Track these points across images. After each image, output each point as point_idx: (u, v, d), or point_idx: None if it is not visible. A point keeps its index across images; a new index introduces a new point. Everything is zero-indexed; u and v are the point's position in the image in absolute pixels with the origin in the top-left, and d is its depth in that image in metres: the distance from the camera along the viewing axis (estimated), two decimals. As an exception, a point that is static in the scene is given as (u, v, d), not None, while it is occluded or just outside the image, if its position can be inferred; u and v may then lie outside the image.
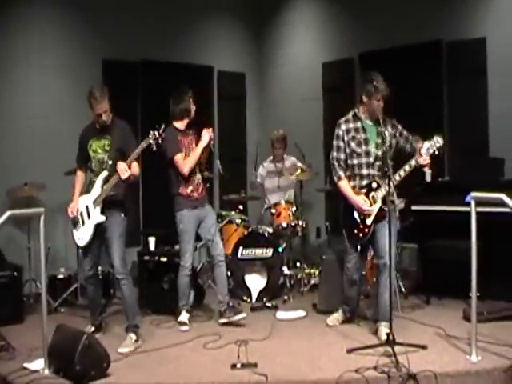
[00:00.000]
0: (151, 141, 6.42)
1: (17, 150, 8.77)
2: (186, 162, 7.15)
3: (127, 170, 6.25)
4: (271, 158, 9.62)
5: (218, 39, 11.38)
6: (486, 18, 8.66)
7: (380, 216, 6.42)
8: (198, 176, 7.35)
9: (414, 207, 8.00)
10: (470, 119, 8.82)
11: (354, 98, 8.17)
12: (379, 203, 6.45)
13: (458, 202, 6.95)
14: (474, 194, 5.55)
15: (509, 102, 8.33)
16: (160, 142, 6.48)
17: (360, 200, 6.50)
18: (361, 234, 6.57)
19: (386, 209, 6.18)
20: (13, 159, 8.68)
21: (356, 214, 6.58)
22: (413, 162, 6.36)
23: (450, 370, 5.37)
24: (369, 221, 6.51)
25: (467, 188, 5.87)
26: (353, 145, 6.59)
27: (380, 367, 5.36)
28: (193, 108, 7.43)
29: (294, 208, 8.86)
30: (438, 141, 6.32)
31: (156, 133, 6.45)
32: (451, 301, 7.62)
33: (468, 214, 5.58)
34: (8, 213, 5.38)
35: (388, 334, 5.82)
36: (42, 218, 5.71)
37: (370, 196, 6.52)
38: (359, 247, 6.75)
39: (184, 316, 7.30)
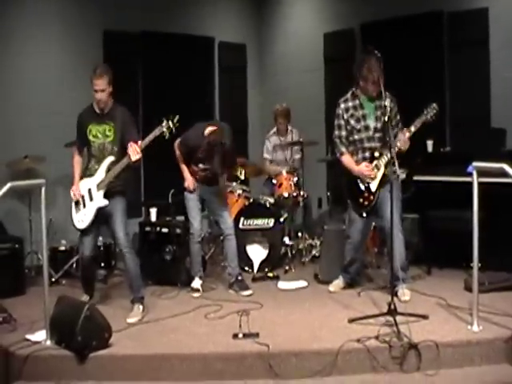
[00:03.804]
0: (164, 129, 6.32)
1: (17, 122, 8.74)
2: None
3: (138, 152, 6.16)
4: (274, 130, 9.57)
5: (219, 10, 11.32)
6: (488, -12, 8.61)
7: (383, 182, 6.51)
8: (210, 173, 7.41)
9: (415, 178, 7.99)
10: (472, 90, 8.78)
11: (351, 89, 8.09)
12: (382, 170, 6.57)
13: (459, 172, 6.96)
14: (475, 164, 5.52)
15: (511, 72, 8.28)
16: (174, 131, 6.38)
17: (362, 167, 6.65)
18: (366, 202, 6.69)
19: (389, 174, 6.24)
20: (13, 132, 8.66)
21: (360, 183, 6.69)
22: (395, 149, 6.37)
23: (451, 339, 5.38)
24: (373, 187, 6.63)
25: (469, 159, 5.84)
26: (352, 122, 6.77)
27: (381, 337, 5.37)
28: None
29: (296, 178, 8.85)
30: (434, 107, 6.38)
31: (170, 122, 6.34)
32: (452, 271, 7.64)
33: (470, 184, 5.55)
34: (9, 184, 5.37)
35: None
36: (43, 190, 5.69)
37: (374, 164, 6.63)
38: (365, 215, 6.80)
39: (196, 282, 7.44)
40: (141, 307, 6.53)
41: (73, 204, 6.64)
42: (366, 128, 6.72)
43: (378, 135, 6.68)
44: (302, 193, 8.81)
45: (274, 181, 8.96)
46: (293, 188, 8.74)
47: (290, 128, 9.50)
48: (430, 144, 8.44)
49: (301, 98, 10.80)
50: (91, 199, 6.50)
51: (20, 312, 6.42)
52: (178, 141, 7.31)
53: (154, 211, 8.16)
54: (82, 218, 6.56)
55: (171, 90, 10.08)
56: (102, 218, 6.54)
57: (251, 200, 8.67)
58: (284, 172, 8.87)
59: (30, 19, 8.89)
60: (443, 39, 9.09)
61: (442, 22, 9.05)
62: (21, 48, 8.84)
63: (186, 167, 7.40)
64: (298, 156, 9.38)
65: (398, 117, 6.76)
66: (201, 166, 7.32)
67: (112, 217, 6.50)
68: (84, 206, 6.55)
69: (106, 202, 6.43)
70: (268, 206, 8.57)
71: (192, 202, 7.43)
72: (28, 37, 8.88)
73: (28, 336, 5.73)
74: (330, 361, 5.22)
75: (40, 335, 5.70)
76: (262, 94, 11.81)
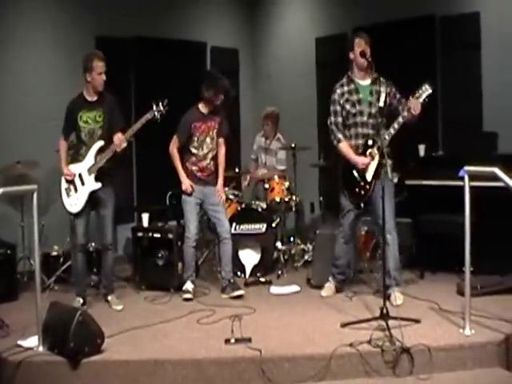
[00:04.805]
0: (156, 113, 6.74)
1: (9, 127, 8.70)
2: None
3: (123, 141, 6.56)
4: (263, 131, 9.55)
5: (211, 15, 11.29)
6: (480, -8, 8.64)
7: (379, 171, 6.51)
8: (208, 161, 7.48)
9: (407, 182, 8.00)
10: (464, 94, 8.79)
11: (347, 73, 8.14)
12: (377, 159, 6.58)
13: (451, 176, 6.97)
14: (467, 168, 5.54)
15: (502, 76, 8.30)
16: (164, 113, 6.78)
17: (359, 159, 6.66)
18: (362, 192, 6.72)
19: (384, 162, 6.22)
20: (5, 137, 8.61)
21: (356, 173, 6.72)
22: (404, 114, 6.47)
23: (443, 343, 5.40)
24: (369, 176, 6.65)
25: (461, 162, 5.85)
26: (347, 106, 6.79)
27: (374, 341, 5.38)
28: (218, 98, 7.41)
29: (288, 183, 8.83)
30: (426, 88, 6.44)
31: (160, 105, 6.76)
32: (445, 275, 7.66)
33: (462, 188, 5.57)
34: (0, 190, 5.37)
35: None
36: (35, 195, 5.68)
37: (368, 153, 6.66)
38: (362, 205, 6.81)
39: (189, 285, 7.43)
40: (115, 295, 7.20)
41: (63, 190, 6.86)
42: (361, 113, 6.75)
43: (371, 121, 6.70)
44: (294, 197, 8.81)
45: (266, 185, 8.94)
46: (285, 193, 8.74)
47: (278, 135, 9.45)
48: (421, 148, 8.45)
49: (293, 102, 10.81)
50: (83, 183, 6.77)
51: (12, 318, 6.39)
52: (173, 139, 7.43)
53: (145, 216, 8.13)
54: (75, 202, 6.81)
55: (164, 95, 10.04)
56: (93, 203, 6.85)
57: (243, 205, 8.66)
58: (276, 177, 8.85)
59: (22, 24, 8.85)
60: (435, 43, 9.11)
61: (434, 25, 9.08)
62: (13, 54, 8.81)
63: (183, 169, 7.42)
64: (281, 167, 9.35)
65: (398, 95, 6.79)
66: (199, 153, 7.39)
67: (105, 216, 6.91)
68: (76, 190, 6.80)
69: (98, 185, 6.73)
70: (260, 210, 8.56)
71: (190, 206, 7.43)
72: (20, 42, 8.84)
73: (20, 342, 5.70)
74: (323, 365, 5.22)
75: (32, 341, 5.67)
76: (255, 98, 11.81)
